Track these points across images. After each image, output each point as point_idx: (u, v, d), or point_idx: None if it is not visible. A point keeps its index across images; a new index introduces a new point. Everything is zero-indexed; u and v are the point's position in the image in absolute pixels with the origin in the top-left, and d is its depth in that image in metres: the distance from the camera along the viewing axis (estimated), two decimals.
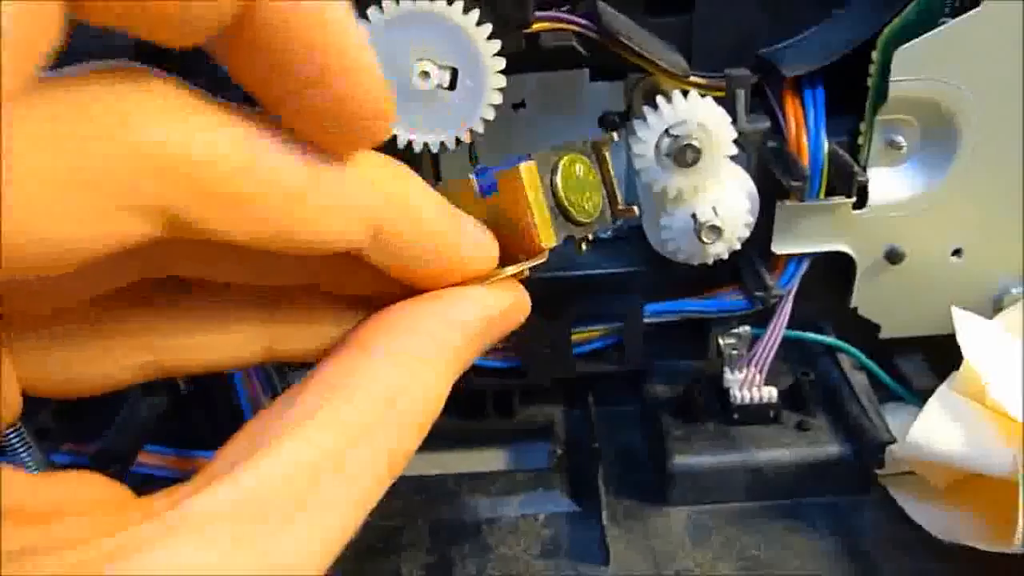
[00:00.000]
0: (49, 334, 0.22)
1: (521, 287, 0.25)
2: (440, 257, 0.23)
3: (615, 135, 0.27)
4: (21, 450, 0.40)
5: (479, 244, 0.24)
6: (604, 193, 0.27)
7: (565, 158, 0.26)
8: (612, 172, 0.27)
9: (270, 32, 0.17)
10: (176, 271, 0.23)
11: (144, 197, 0.16)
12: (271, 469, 0.18)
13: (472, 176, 0.25)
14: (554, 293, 0.43)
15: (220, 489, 0.18)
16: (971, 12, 0.35)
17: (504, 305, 0.24)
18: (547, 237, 0.24)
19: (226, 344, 0.24)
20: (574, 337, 0.44)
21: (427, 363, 0.21)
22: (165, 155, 0.16)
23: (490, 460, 0.48)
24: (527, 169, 0.24)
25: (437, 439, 0.47)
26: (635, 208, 0.28)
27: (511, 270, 0.25)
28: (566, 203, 0.25)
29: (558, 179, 0.25)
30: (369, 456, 0.19)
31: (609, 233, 0.45)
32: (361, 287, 0.25)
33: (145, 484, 0.44)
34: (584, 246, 0.28)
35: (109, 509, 0.20)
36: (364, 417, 0.20)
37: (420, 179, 0.22)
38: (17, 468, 0.39)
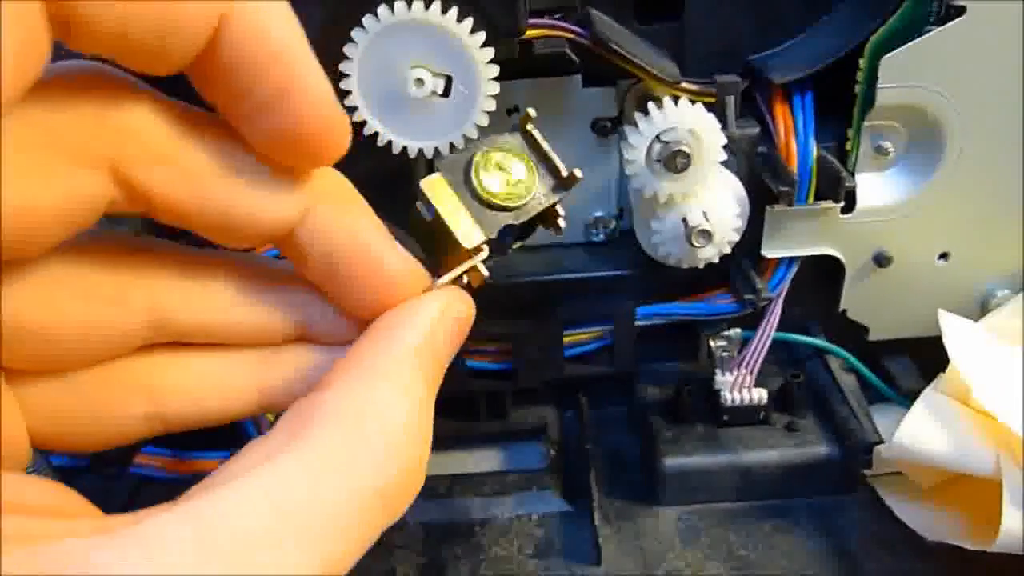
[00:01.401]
0: (57, 387, 0.23)
1: (458, 289, 0.26)
2: (368, 267, 0.24)
3: (532, 111, 0.27)
4: None
5: (409, 267, 0.25)
6: (541, 170, 0.27)
7: (478, 154, 0.26)
8: (546, 145, 0.27)
9: (234, 60, 0.20)
10: (174, 329, 0.24)
11: (96, 154, 0.20)
12: (234, 501, 0.18)
13: (418, 203, 0.26)
14: (545, 296, 0.43)
15: (179, 510, 0.18)
16: (956, 20, 0.36)
17: (447, 309, 0.24)
18: (467, 238, 0.25)
19: (223, 395, 0.25)
20: (566, 340, 0.44)
21: (388, 384, 0.22)
22: (117, 121, 0.20)
23: (483, 461, 0.49)
24: (426, 184, 0.25)
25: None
26: (577, 172, 0.27)
27: (448, 277, 0.25)
28: (488, 196, 0.26)
29: (473, 176, 0.26)
30: (339, 487, 0.19)
31: (601, 236, 0.45)
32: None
33: (143, 485, 0.45)
34: (561, 222, 0.28)
35: (60, 517, 0.19)
36: (329, 451, 0.20)
37: (357, 193, 0.24)
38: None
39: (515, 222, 0.27)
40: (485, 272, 0.26)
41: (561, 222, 0.28)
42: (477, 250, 0.26)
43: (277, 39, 0.20)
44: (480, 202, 0.26)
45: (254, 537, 0.18)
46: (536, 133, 0.27)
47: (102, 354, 0.23)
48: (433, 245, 0.26)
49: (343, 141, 0.22)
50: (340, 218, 0.23)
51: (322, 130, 0.21)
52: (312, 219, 0.23)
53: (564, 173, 0.27)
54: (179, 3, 0.18)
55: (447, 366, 0.25)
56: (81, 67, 0.20)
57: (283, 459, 0.19)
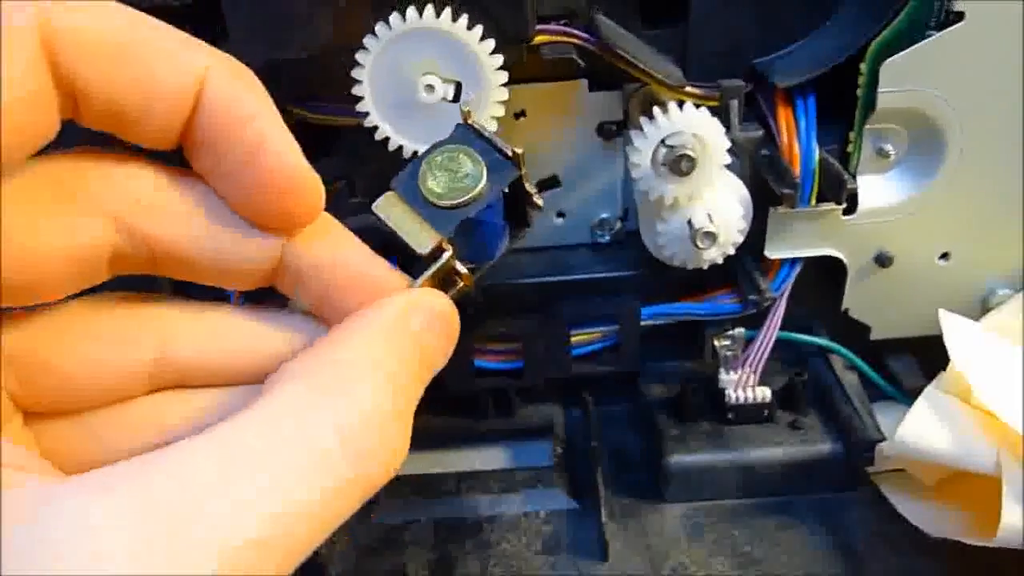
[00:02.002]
0: (72, 429, 0.24)
1: (428, 288, 0.26)
2: (359, 284, 0.25)
3: (465, 106, 0.28)
4: None
5: (394, 277, 0.26)
6: (489, 158, 0.28)
7: (423, 164, 0.27)
8: (487, 131, 0.28)
9: (209, 126, 0.22)
10: (181, 368, 0.25)
11: (98, 203, 0.22)
12: (186, 452, 0.19)
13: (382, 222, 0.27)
14: (552, 296, 0.44)
15: (129, 462, 0.19)
16: (955, 25, 0.36)
17: (409, 300, 0.25)
18: (420, 245, 0.26)
19: None
20: (572, 339, 0.45)
21: (347, 354, 0.23)
22: (117, 174, 0.23)
23: (491, 459, 0.49)
24: (378, 206, 0.27)
25: (438, 438, 0.49)
26: (519, 149, 0.28)
27: (419, 281, 0.26)
28: (435, 197, 0.27)
29: (420, 183, 0.27)
30: (293, 432, 0.20)
31: (607, 238, 0.46)
32: None
33: None
34: (538, 199, 0.29)
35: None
36: (283, 402, 0.21)
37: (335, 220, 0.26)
38: None
39: (472, 215, 0.27)
40: (462, 269, 0.27)
41: (537, 200, 0.29)
42: (438, 251, 0.26)
43: (247, 105, 0.22)
44: (430, 206, 0.27)
45: (203, 481, 0.18)
46: (476, 124, 0.28)
47: (112, 394, 0.24)
48: (409, 262, 0.27)
49: (315, 200, 0.24)
50: (324, 246, 0.25)
51: (291, 188, 0.23)
52: (296, 250, 0.24)
53: (509, 153, 0.28)
54: (157, 77, 0.21)
55: (440, 359, 0.26)
56: (84, 147, 0.23)
57: (239, 415, 0.20)
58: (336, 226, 0.26)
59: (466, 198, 0.27)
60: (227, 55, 0.23)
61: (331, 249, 0.25)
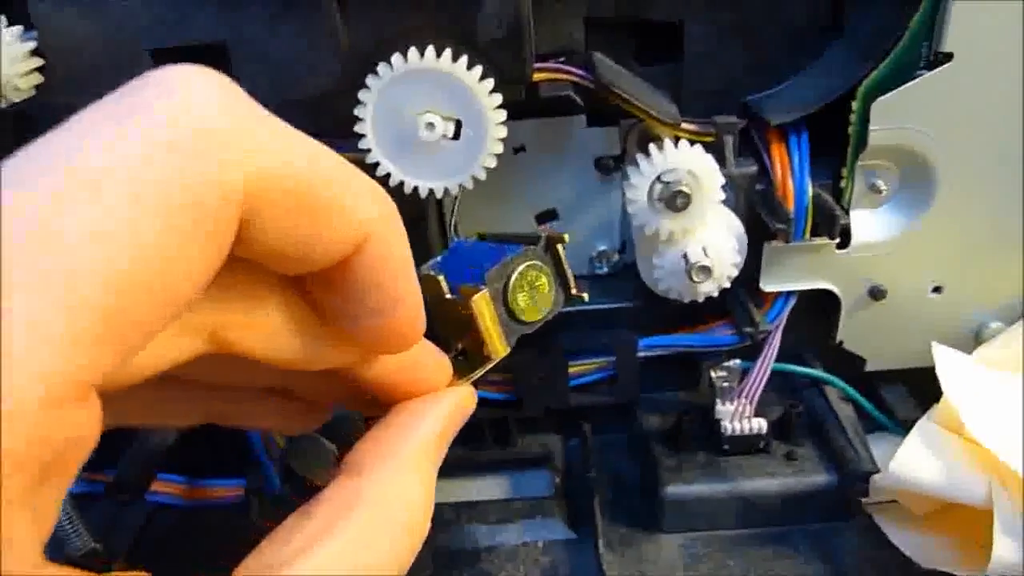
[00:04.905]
0: None
1: (471, 387, 0.28)
2: (410, 372, 0.26)
3: (566, 236, 0.30)
4: None
5: (441, 366, 0.27)
6: (557, 285, 0.30)
7: (517, 272, 0.28)
8: (566, 264, 0.30)
9: (361, 276, 0.22)
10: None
11: (205, 326, 0.21)
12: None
13: (441, 276, 0.27)
14: (549, 327, 0.44)
15: None
16: (945, 66, 0.37)
17: (460, 407, 0.27)
18: (497, 351, 0.28)
19: (167, 414, 0.27)
20: (571, 370, 0.45)
21: (411, 475, 0.24)
22: (237, 304, 0.22)
23: (489, 489, 0.50)
24: (479, 300, 0.27)
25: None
26: (585, 294, 0.30)
27: (470, 378, 0.28)
28: (519, 313, 0.28)
29: (510, 295, 0.28)
30: (372, 569, 0.22)
31: (604, 269, 0.47)
32: (320, 395, 0.28)
33: (158, 511, 0.46)
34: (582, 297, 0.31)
35: None
36: (367, 535, 0.22)
37: None
38: None
39: (529, 332, 0.29)
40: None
41: (583, 295, 0.31)
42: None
43: (400, 259, 0.22)
44: (511, 317, 0.28)
45: None
46: (562, 252, 0.30)
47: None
48: (442, 318, 0.27)
49: (421, 334, 0.25)
50: None
51: (415, 331, 0.24)
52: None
53: (575, 291, 0.30)
54: (330, 230, 0.20)
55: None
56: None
57: (329, 543, 0.21)
58: None
59: (537, 320, 0.29)
60: (388, 200, 0.22)
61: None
